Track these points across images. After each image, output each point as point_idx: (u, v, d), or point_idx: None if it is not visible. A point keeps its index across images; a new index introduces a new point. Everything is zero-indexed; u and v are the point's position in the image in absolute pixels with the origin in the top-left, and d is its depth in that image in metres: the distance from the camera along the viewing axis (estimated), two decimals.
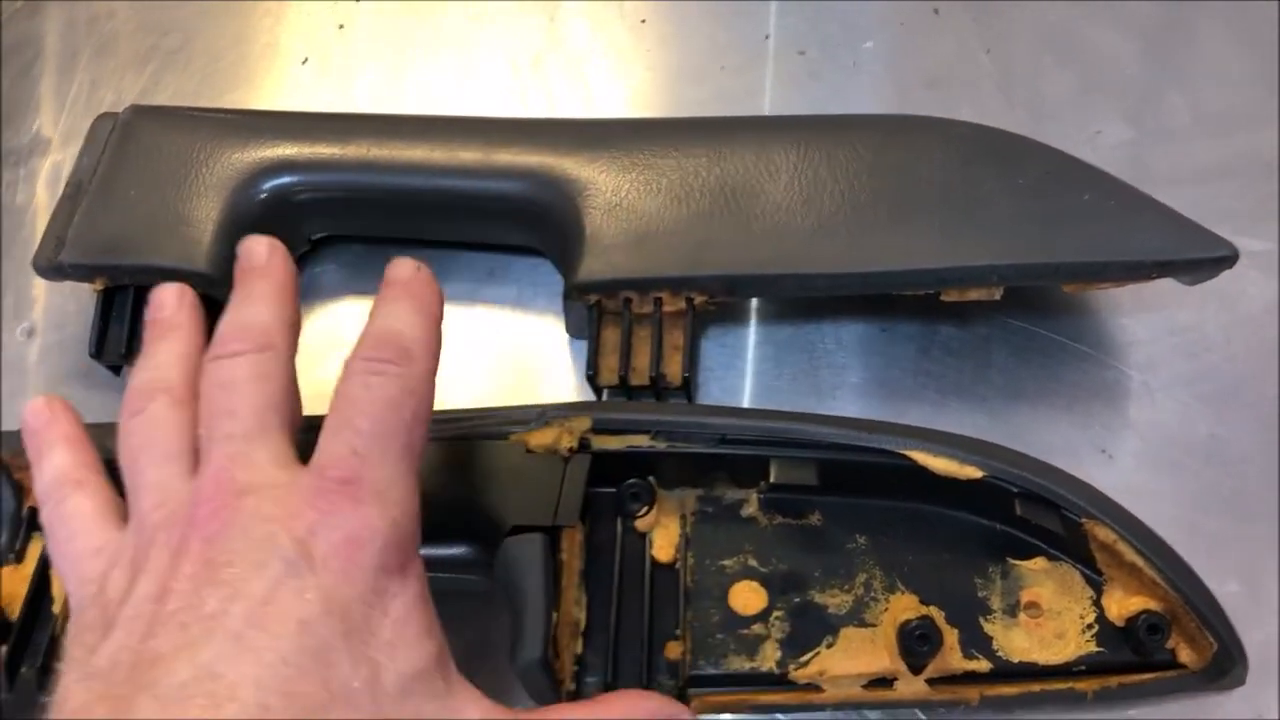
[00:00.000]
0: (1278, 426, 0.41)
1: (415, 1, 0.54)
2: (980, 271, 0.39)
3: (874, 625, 0.35)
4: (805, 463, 0.36)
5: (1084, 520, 0.34)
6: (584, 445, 0.36)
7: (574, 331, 0.44)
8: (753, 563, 0.36)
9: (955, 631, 0.35)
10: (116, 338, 0.42)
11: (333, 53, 0.53)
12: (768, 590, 0.36)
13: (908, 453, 0.35)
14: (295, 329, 0.32)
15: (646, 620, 0.35)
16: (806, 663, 0.35)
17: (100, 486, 0.31)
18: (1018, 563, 0.36)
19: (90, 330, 0.42)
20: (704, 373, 0.44)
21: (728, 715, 0.36)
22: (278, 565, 0.26)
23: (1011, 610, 0.35)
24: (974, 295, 0.40)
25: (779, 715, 0.36)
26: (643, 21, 0.53)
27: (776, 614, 0.36)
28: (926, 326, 0.44)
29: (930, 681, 0.35)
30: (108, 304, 0.42)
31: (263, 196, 0.43)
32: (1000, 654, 0.35)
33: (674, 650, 0.35)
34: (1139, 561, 0.34)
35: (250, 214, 0.43)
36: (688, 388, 0.41)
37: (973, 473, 0.35)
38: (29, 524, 0.38)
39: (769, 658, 0.35)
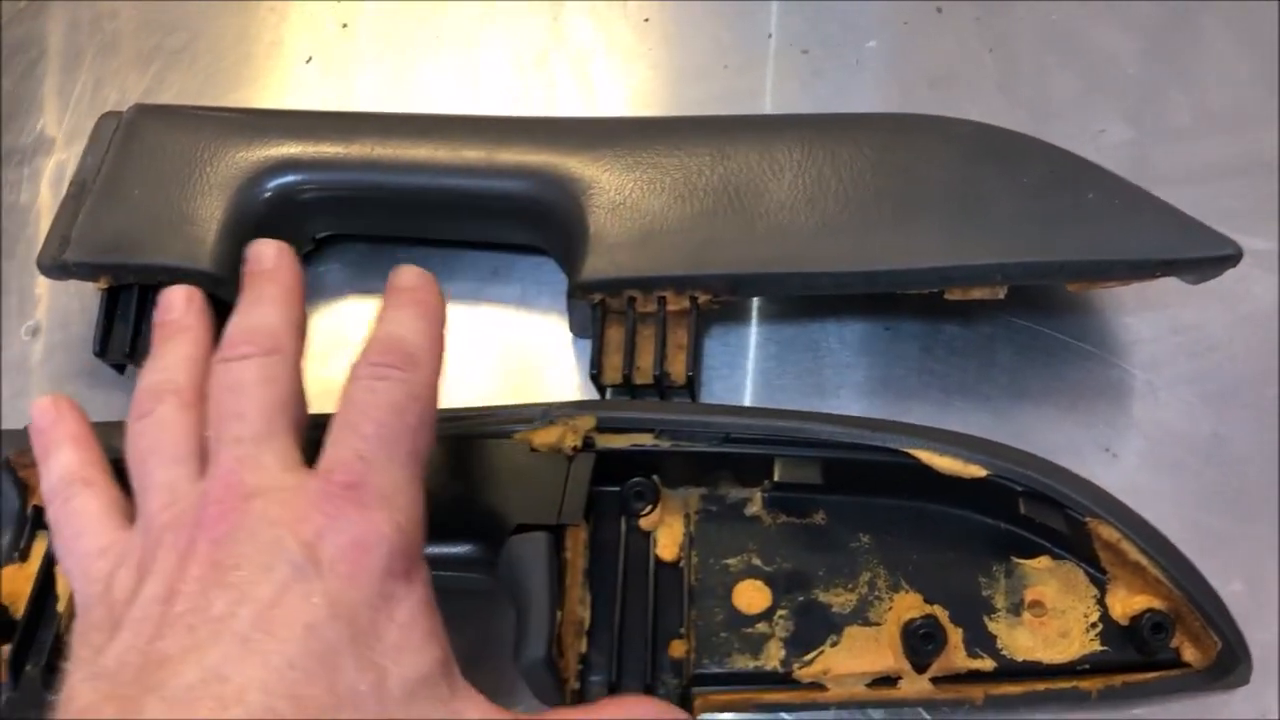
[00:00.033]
0: None
1: (419, 1, 0.54)
2: (984, 270, 0.39)
3: (878, 624, 0.35)
4: (809, 461, 0.36)
5: (1088, 519, 0.34)
6: (588, 444, 0.36)
7: (578, 330, 0.44)
8: (757, 561, 0.37)
9: (959, 630, 0.35)
10: (120, 336, 0.42)
11: (336, 52, 0.53)
12: (772, 589, 0.36)
13: (912, 451, 0.35)
14: (302, 332, 0.32)
15: (650, 619, 0.35)
16: (810, 662, 0.35)
17: (107, 486, 0.31)
18: (1022, 561, 0.36)
19: (94, 329, 0.42)
20: (707, 371, 0.44)
21: (732, 714, 0.36)
22: (285, 569, 0.26)
23: (1016, 609, 0.35)
24: (978, 294, 0.40)
25: (783, 714, 0.36)
26: (646, 20, 0.53)
27: (780, 613, 0.36)
28: (930, 325, 0.44)
29: (934, 680, 0.35)
30: (112, 303, 0.42)
31: (267, 195, 0.43)
32: (1004, 653, 0.35)
33: (678, 649, 0.35)
34: (1143, 560, 0.34)
35: (254, 213, 0.43)
36: (692, 386, 0.41)
37: (977, 471, 0.35)
38: (33, 522, 0.38)
39: (773, 657, 0.35)
